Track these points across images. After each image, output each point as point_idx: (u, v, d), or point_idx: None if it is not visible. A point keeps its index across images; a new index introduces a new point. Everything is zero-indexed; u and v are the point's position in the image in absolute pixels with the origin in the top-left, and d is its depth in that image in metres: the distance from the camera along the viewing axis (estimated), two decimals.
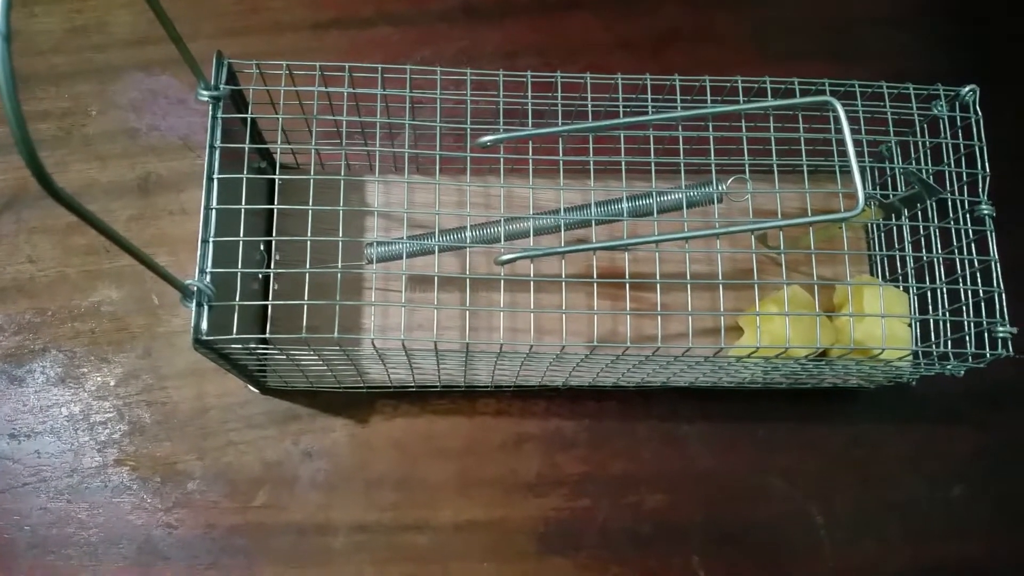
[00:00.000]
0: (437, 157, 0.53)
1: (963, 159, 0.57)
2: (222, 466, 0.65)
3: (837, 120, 0.52)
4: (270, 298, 0.63)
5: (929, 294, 0.59)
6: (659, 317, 0.51)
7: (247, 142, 0.51)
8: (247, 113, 0.54)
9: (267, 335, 0.49)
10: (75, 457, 0.65)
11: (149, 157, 0.71)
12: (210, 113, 0.51)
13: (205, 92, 0.51)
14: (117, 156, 0.71)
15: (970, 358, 0.55)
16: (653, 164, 0.54)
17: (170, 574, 0.63)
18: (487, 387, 0.66)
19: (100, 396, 0.66)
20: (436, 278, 0.50)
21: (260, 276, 0.61)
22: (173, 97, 0.72)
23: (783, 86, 0.56)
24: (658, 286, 0.51)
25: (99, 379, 0.66)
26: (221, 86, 0.51)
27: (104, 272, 0.68)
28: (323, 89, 0.53)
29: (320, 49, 0.74)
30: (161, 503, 0.64)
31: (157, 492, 0.64)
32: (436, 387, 0.66)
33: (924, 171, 0.58)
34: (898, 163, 0.60)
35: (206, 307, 0.47)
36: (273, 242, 0.60)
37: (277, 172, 0.54)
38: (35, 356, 0.66)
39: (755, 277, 0.52)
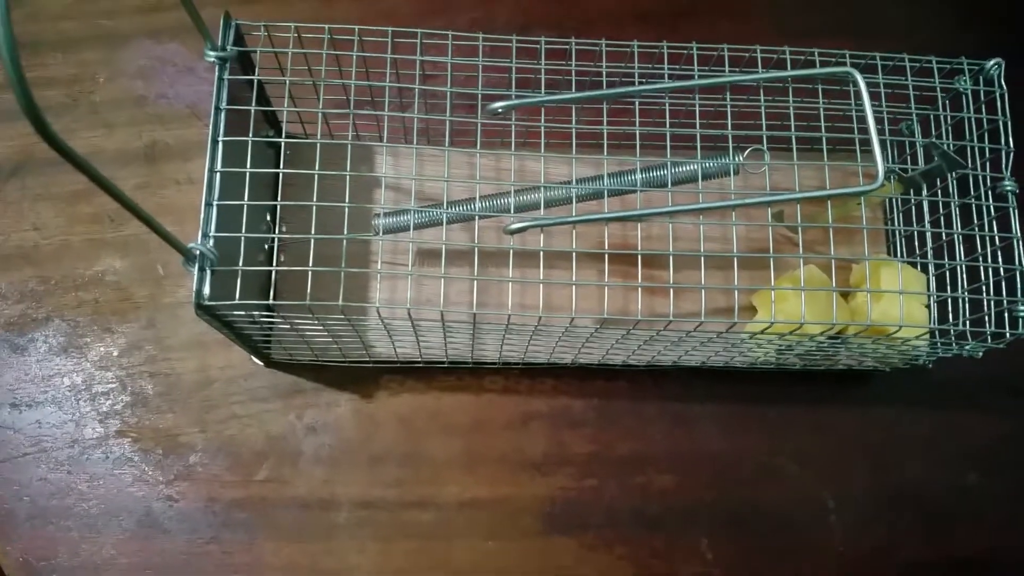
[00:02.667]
0: (447, 123, 0.52)
1: (986, 135, 0.56)
2: (225, 439, 0.64)
3: (858, 93, 0.51)
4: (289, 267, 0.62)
5: (948, 273, 0.58)
6: (671, 292, 0.49)
7: (253, 104, 0.50)
8: (254, 76, 0.52)
9: (270, 301, 0.48)
10: (76, 428, 0.64)
11: (156, 125, 0.70)
12: (216, 74, 0.50)
13: (212, 53, 0.50)
14: (124, 124, 0.70)
15: (989, 338, 0.54)
16: (668, 135, 0.53)
17: (170, 547, 0.62)
18: (495, 364, 0.65)
19: (103, 366, 0.65)
20: (443, 248, 0.49)
21: (266, 248, 0.60)
22: (181, 65, 0.71)
23: (803, 57, 0.55)
24: (671, 259, 0.49)
25: (102, 349, 0.65)
26: (228, 47, 0.50)
27: (109, 241, 0.67)
28: (332, 52, 0.52)
29: (331, 19, 0.72)
30: (162, 476, 0.63)
31: (159, 464, 0.63)
32: (443, 363, 0.65)
33: (946, 146, 0.56)
34: (919, 137, 0.58)
35: (208, 272, 0.46)
36: (278, 210, 0.58)
37: (283, 136, 0.53)
38: (38, 325, 0.66)
39: (771, 252, 0.50)
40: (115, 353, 0.65)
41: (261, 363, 0.65)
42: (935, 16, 0.80)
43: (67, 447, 0.63)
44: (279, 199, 0.60)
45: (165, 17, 0.72)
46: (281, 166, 0.55)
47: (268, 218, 0.59)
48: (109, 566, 0.61)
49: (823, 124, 0.54)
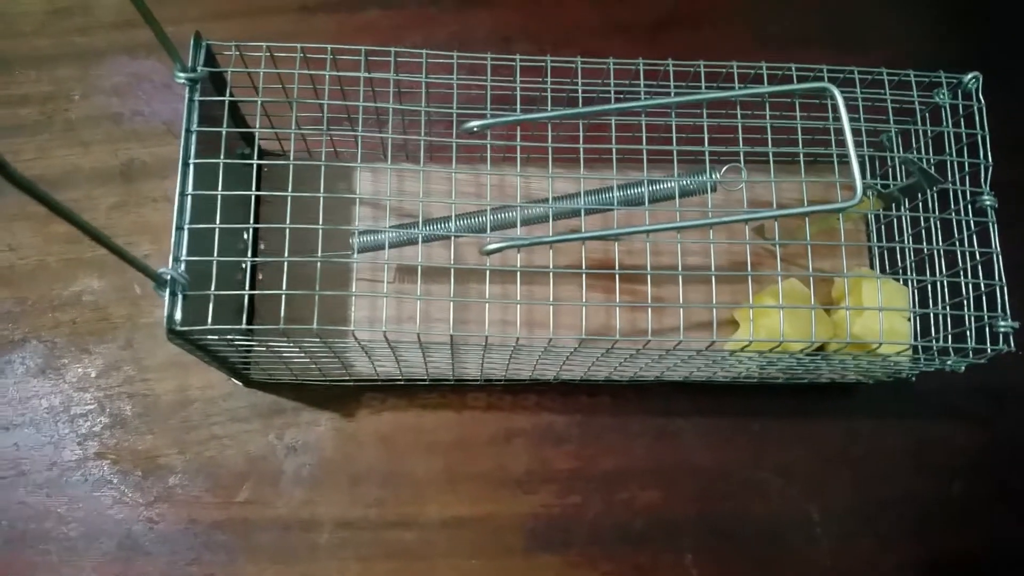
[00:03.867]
0: (421, 143, 0.51)
1: (965, 148, 0.56)
2: (204, 460, 0.63)
3: (835, 108, 0.51)
4: (257, 290, 0.61)
5: (929, 287, 0.57)
6: (649, 310, 0.49)
7: (224, 126, 0.50)
8: (226, 96, 0.52)
9: (242, 326, 0.48)
10: (55, 450, 0.63)
11: (132, 143, 0.69)
12: (186, 96, 0.49)
13: (182, 74, 0.49)
14: (100, 142, 0.69)
15: (971, 353, 0.53)
16: (645, 152, 0.52)
17: (151, 570, 0.61)
18: (477, 381, 0.65)
19: (81, 388, 0.64)
20: (419, 268, 0.49)
21: (245, 267, 0.60)
22: (158, 82, 0.71)
23: (780, 72, 0.55)
24: (648, 277, 0.49)
25: (80, 370, 0.65)
26: (199, 68, 0.50)
27: (85, 261, 0.66)
28: (304, 72, 0.51)
29: (308, 33, 0.72)
30: (142, 497, 0.63)
31: (138, 486, 0.63)
32: (424, 381, 0.64)
33: (925, 161, 0.56)
34: (898, 152, 0.58)
35: (180, 296, 0.46)
36: (254, 231, 0.58)
37: (255, 158, 0.52)
38: (15, 347, 0.65)
39: (748, 269, 0.50)
40: (93, 374, 0.65)
41: (240, 383, 0.64)
42: (917, 25, 0.79)
43: (46, 470, 0.63)
44: (258, 218, 0.60)
45: (140, 33, 0.71)
46: (255, 186, 0.55)
47: (245, 237, 0.59)
48: None
49: (800, 139, 0.54)
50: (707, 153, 0.53)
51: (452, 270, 0.48)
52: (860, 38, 0.78)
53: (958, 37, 0.79)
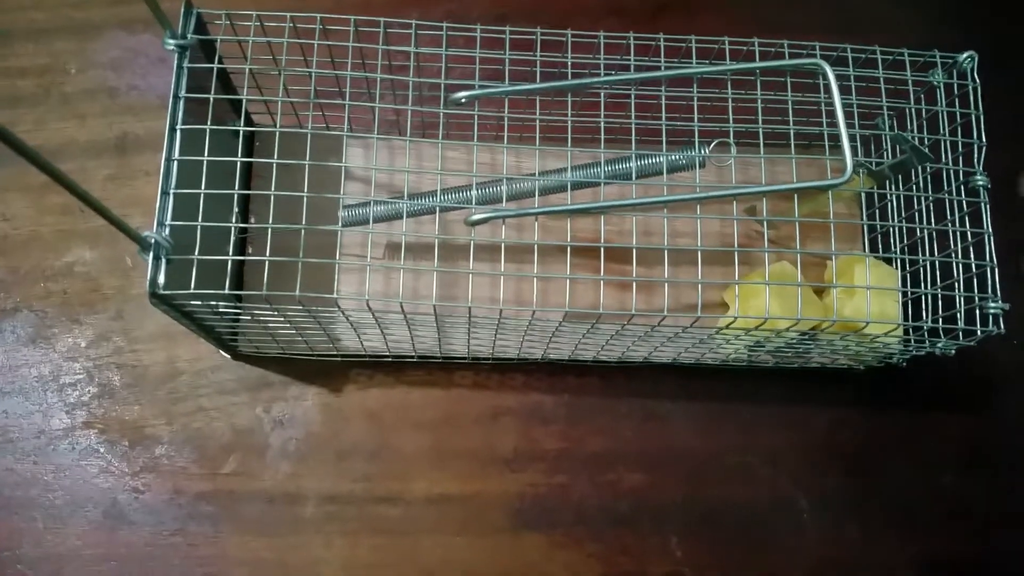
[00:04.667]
0: (408, 114, 0.51)
1: (959, 128, 0.55)
2: (191, 432, 0.63)
3: (827, 86, 0.50)
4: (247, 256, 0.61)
5: (921, 269, 0.57)
6: (634, 285, 0.49)
7: (212, 92, 0.50)
8: (215, 64, 0.52)
9: (225, 291, 0.48)
10: (43, 418, 0.63)
11: (127, 116, 0.69)
12: (175, 63, 0.49)
13: (172, 41, 0.49)
14: (95, 115, 0.69)
15: (961, 335, 0.53)
16: (634, 127, 0.52)
17: (135, 539, 0.61)
18: (464, 359, 0.64)
19: (70, 357, 0.64)
20: (403, 240, 0.49)
21: (234, 234, 0.59)
22: (153, 56, 0.71)
23: (772, 49, 0.54)
24: (634, 252, 0.49)
25: (70, 340, 0.65)
26: (189, 35, 0.50)
27: (78, 232, 0.66)
28: (293, 41, 0.51)
29: (302, 7, 0.72)
30: (128, 467, 0.63)
31: (124, 456, 0.63)
32: (412, 357, 0.64)
33: (919, 140, 0.55)
34: (887, 129, 0.57)
35: (164, 260, 0.46)
36: (238, 199, 0.58)
37: (242, 125, 0.52)
38: (6, 315, 0.65)
39: (735, 247, 0.50)
40: (83, 344, 0.65)
41: (228, 356, 0.64)
42: (919, 12, 0.79)
43: (33, 438, 0.63)
44: (247, 187, 0.60)
45: (136, 8, 0.71)
46: (241, 154, 0.54)
47: (236, 209, 0.59)
48: (74, 557, 0.61)
49: (791, 118, 0.53)
50: (696, 129, 0.52)
51: (436, 243, 0.48)
52: (861, 25, 0.78)
53: (960, 25, 0.79)
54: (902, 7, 0.79)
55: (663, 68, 0.53)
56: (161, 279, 0.46)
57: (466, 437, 0.65)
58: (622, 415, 0.66)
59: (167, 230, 0.47)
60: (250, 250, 0.62)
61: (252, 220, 0.62)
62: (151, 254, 0.46)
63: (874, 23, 0.78)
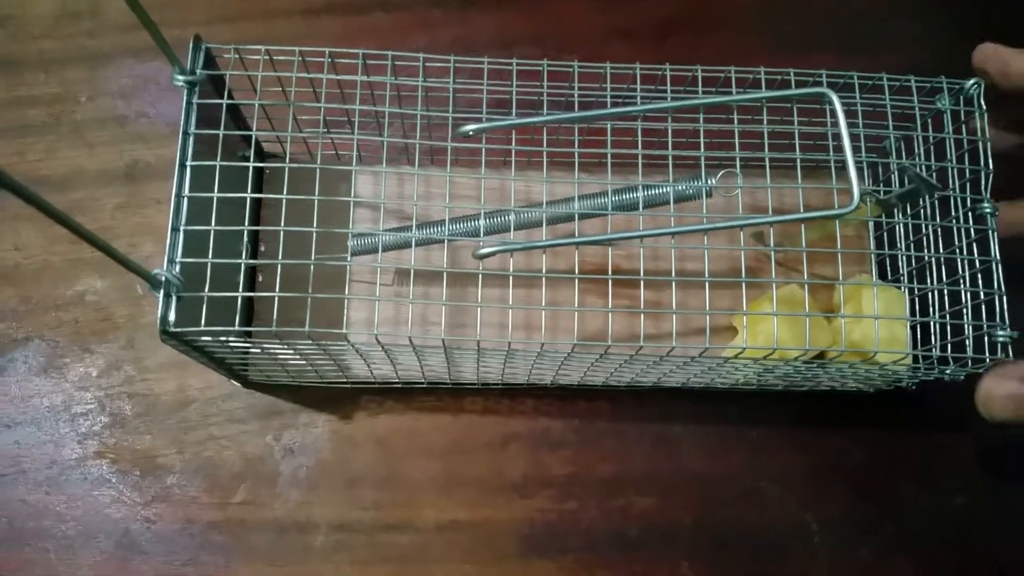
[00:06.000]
0: (417, 146, 0.52)
1: (966, 155, 0.55)
2: (202, 460, 0.64)
3: (833, 113, 0.50)
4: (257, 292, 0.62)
5: (929, 295, 0.57)
6: (642, 315, 0.49)
7: (222, 128, 0.50)
8: (223, 99, 0.52)
9: (236, 327, 0.48)
10: (55, 448, 0.64)
11: (137, 144, 0.70)
12: (184, 99, 0.50)
13: (180, 77, 0.50)
14: (105, 143, 0.70)
15: (969, 363, 0.53)
16: (640, 156, 0.52)
17: (147, 569, 0.61)
18: (474, 385, 0.65)
19: (82, 387, 0.65)
20: (412, 272, 0.49)
21: (244, 268, 0.60)
22: (163, 84, 0.71)
23: (779, 77, 0.54)
24: (642, 283, 0.49)
25: (81, 369, 0.65)
26: (198, 71, 0.50)
27: (89, 261, 0.67)
28: (302, 75, 0.52)
29: (312, 35, 0.73)
30: (140, 497, 0.63)
31: (136, 486, 0.63)
32: (422, 383, 0.64)
33: (926, 167, 0.55)
34: (895, 158, 0.57)
35: (174, 297, 0.46)
36: (247, 233, 0.58)
37: (251, 160, 0.52)
38: (17, 345, 0.65)
39: (743, 275, 0.50)
40: (94, 374, 0.65)
41: (239, 384, 0.64)
42: (930, 32, 0.79)
43: (46, 468, 0.63)
44: (260, 222, 0.60)
45: (147, 37, 0.70)
46: (251, 189, 0.55)
47: (245, 240, 0.59)
48: None
49: (798, 144, 0.54)
50: (703, 158, 0.53)
51: (445, 274, 0.48)
52: (869, 44, 0.77)
53: (971, 43, 0.79)
54: (910, 23, 0.79)
55: (669, 98, 0.53)
56: (172, 316, 0.46)
57: (476, 463, 0.65)
58: (632, 439, 0.66)
59: (177, 267, 0.47)
60: (260, 278, 0.62)
61: (262, 247, 0.62)
62: (161, 291, 0.46)
63: (880, 41, 0.77)
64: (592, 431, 0.66)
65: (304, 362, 0.56)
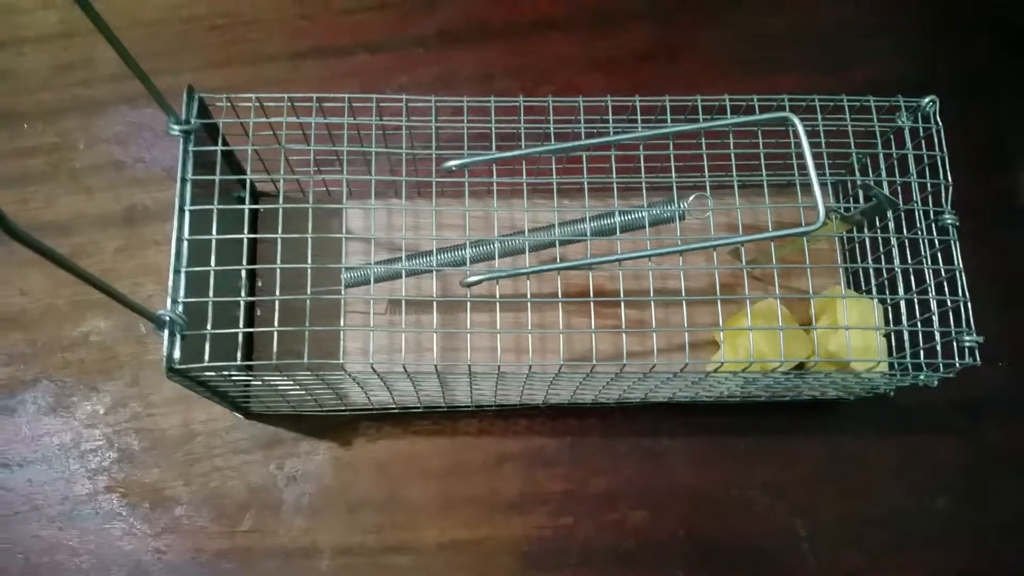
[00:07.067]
0: (403, 183, 0.54)
1: (927, 169, 0.58)
2: (209, 491, 0.66)
3: (796, 134, 0.53)
4: (255, 326, 0.64)
5: (900, 304, 0.59)
6: (624, 336, 0.51)
7: (217, 174, 0.52)
8: (218, 146, 0.55)
9: (238, 363, 0.50)
10: (66, 485, 0.66)
11: (135, 189, 0.72)
12: (180, 147, 0.52)
13: (176, 127, 0.52)
14: (103, 188, 0.72)
15: (940, 367, 0.55)
16: (615, 184, 0.55)
17: None
18: (468, 407, 0.67)
19: (90, 424, 0.67)
20: (403, 301, 0.51)
21: (243, 304, 0.62)
22: (158, 130, 0.74)
23: (744, 103, 0.57)
24: (622, 304, 0.51)
25: (89, 408, 0.67)
26: (192, 120, 0.53)
27: (93, 303, 0.69)
28: (291, 120, 0.54)
29: (299, 79, 0.75)
30: (150, 529, 0.65)
31: (146, 518, 0.65)
32: (418, 408, 0.66)
33: (889, 183, 0.58)
34: (858, 176, 0.60)
35: (178, 336, 0.48)
36: (245, 272, 0.60)
37: (247, 203, 0.55)
38: (27, 386, 0.68)
39: (718, 293, 0.52)
40: (101, 411, 0.67)
41: (241, 416, 0.66)
42: (892, 43, 0.82)
43: (58, 504, 0.65)
44: (255, 256, 0.62)
45: (139, 84, 0.74)
46: (248, 228, 0.57)
47: (243, 276, 0.62)
48: None
49: (763, 165, 0.56)
50: (674, 183, 0.55)
51: (435, 303, 0.51)
52: (835, 63, 0.80)
53: (933, 60, 0.82)
54: (874, 40, 0.81)
55: (640, 127, 0.56)
56: (177, 354, 0.48)
57: (473, 483, 0.67)
58: (622, 455, 0.68)
59: (180, 307, 0.49)
60: (258, 312, 0.65)
61: (259, 283, 0.64)
62: (166, 331, 0.48)
63: (846, 59, 0.80)
64: (584, 448, 0.68)
65: (304, 392, 0.58)
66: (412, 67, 0.77)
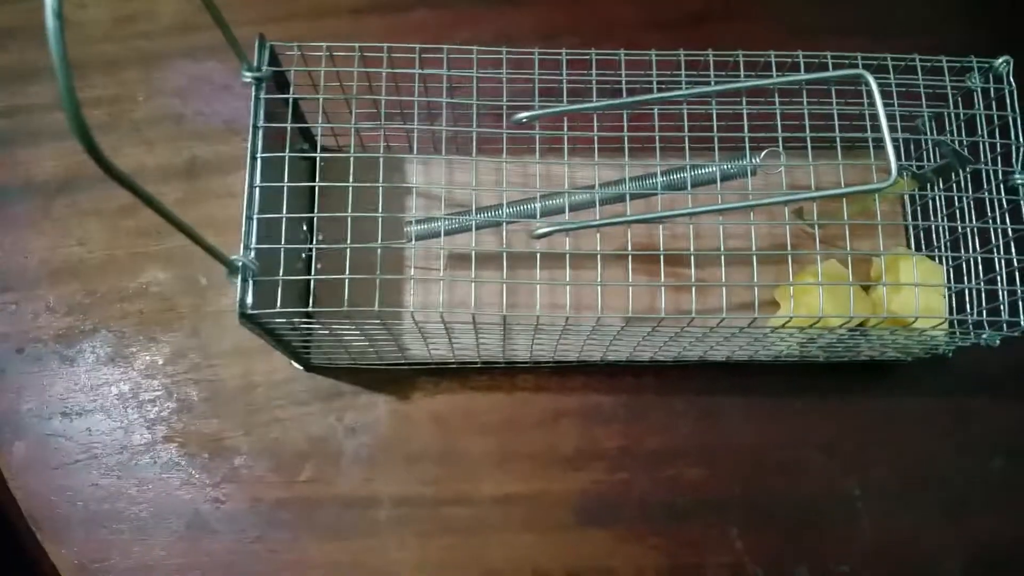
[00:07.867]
0: (474, 135, 0.54)
1: (997, 130, 0.57)
2: (268, 442, 0.66)
3: (870, 93, 0.52)
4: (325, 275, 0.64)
5: (964, 264, 0.59)
6: (693, 290, 0.51)
7: (288, 122, 0.53)
8: (289, 94, 0.55)
9: (308, 308, 0.51)
10: (125, 434, 0.67)
11: (195, 141, 0.73)
12: (252, 94, 0.52)
13: (249, 74, 0.52)
14: (164, 141, 0.73)
15: (1004, 326, 0.55)
16: (687, 139, 0.54)
17: (218, 547, 0.65)
18: (526, 363, 0.67)
19: (149, 375, 0.68)
20: (473, 254, 0.52)
21: (304, 256, 0.63)
22: (218, 83, 0.74)
23: (816, 60, 0.57)
24: (692, 259, 0.51)
25: (147, 358, 0.68)
26: (264, 68, 0.53)
27: (152, 254, 0.70)
28: (362, 70, 0.54)
29: (359, 34, 0.75)
30: (209, 478, 0.66)
31: (205, 468, 0.66)
32: (476, 363, 0.67)
33: (958, 142, 0.58)
34: (930, 135, 0.60)
35: (251, 282, 0.49)
36: (315, 220, 0.61)
37: (318, 151, 0.55)
38: (85, 336, 0.68)
39: (788, 249, 0.52)
40: (160, 362, 0.68)
41: (301, 368, 0.67)
42: (948, 13, 0.81)
43: (117, 453, 0.66)
44: (316, 209, 0.63)
45: (201, 36, 0.74)
46: (317, 177, 0.58)
47: (304, 228, 0.62)
48: (160, 567, 0.64)
49: (837, 124, 0.56)
50: (747, 139, 0.55)
51: (504, 255, 0.51)
52: (894, 26, 0.79)
53: (994, 23, 0.81)
54: (937, 7, 0.81)
55: (712, 82, 0.56)
56: (249, 299, 0.49)
57: (529, 438, 0.67)
58: (679, 412, 0.68)
59: (252, 253, 0.50)
60: (319, 265, 0.65)
61: (320, 236, 0.65)
62: (239, 277, 0.48)
63: (909, 25, 0.80)
64: (640, 405, 0.68)
65: (366, 342, 0.59)
66: (472, 24, 0.77)
